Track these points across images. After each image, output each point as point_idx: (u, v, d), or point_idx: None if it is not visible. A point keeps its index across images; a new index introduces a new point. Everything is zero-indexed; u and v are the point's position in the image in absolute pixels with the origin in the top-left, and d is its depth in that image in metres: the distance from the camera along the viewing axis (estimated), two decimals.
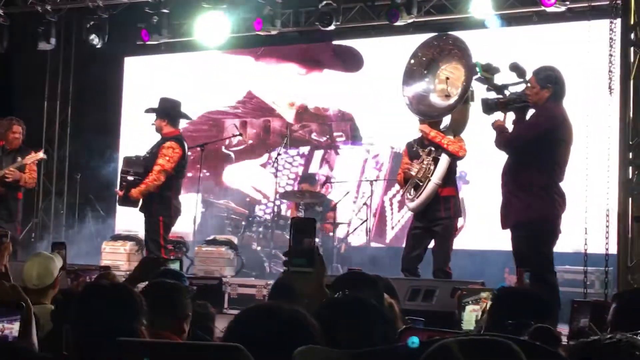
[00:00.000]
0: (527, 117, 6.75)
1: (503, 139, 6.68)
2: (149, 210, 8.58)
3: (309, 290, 3.06)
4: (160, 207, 8.52)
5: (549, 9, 10.09)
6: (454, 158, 7.79)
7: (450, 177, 7.81)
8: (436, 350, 1.11)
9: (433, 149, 7.80)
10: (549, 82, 6.50)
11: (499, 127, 6.77)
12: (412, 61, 8.15)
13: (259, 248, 10.73)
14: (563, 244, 7.00)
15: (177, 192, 8.68)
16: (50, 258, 5.01)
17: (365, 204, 10.50)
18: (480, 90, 7.28)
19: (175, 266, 7.84)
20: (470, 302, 4.42)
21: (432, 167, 7.75)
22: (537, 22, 11.04)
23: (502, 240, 7.20)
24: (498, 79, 6.86)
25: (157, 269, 6.04)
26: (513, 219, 6.60)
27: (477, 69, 6.94)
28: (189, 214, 9.81)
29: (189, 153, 9.17)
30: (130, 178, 8.53)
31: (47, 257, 5.03)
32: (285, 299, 3.91)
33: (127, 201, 8.60)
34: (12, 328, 2.92)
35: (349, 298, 2.61)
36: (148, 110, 8.94)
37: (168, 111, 8.77)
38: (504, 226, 6.76)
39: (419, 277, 7.65)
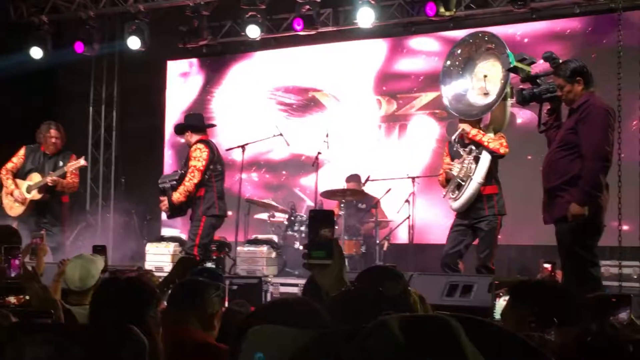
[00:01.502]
0: (562, 109, 6.62)
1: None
2: (196, 212, 8.65)
3: (329, 282, 3.04)
4: (203, 208, 8.58)
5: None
6: (495, 156, 7.73)
7: (492, 175, 7.76)
8: (375, 327, 1.09)
9: (474, 147, 7.76)
10: (576, 74, 6.36)
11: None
12: (449, 61, 8.12)
13: (300, 247, 10.73)
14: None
15: (220, 192, 8.72)
16: (92, 260, 5.08)
17: (407, 201, 10.44)
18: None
19: (211, 265, 7.93)
20: (502, 293, 4.40)
21: (473, 166, 7.71)
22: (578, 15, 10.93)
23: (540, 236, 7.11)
24: (532, 70, 6.76)
25: (193, 268, 6.10)
26: (557, 214, 6.48)
27: (510, 60, 6.85)
28: (231, 214, 9.85)
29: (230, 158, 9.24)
30: (167, 185, 8.61)
31: (89, 259, 5.09)
32: (316, 295, 3.92)
33: (174, 209, 8.63)
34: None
35: (353, 290, 2.58)
36: (176, 131, 9.15)
37: (193, 123, 8.92)
38: (546, 221, 6.65)
39: (459, 272, 7.61)
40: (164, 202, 8.60)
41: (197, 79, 14.05)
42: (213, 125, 10.18)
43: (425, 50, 12.24)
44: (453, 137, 7.99)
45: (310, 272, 3.22)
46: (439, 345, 1.05)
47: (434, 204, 10.95)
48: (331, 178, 11.54)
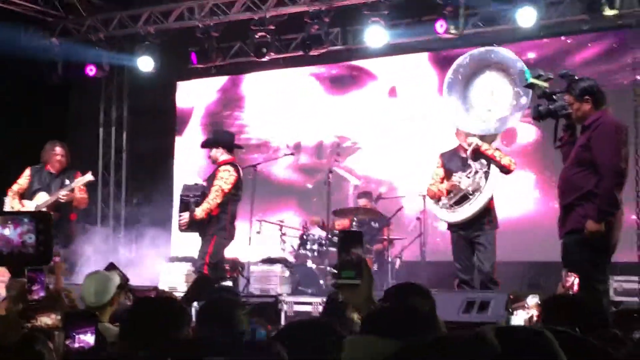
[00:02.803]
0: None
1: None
2: (205, 230, 8.64)
3: (359, 302, 3.07)
4: (215, 228, 8.57)
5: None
6: (506, 171, 7.78)
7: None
8: (472, 337, 1.12)
9: (484, 161, 7.80)
10: (585, 93, 6.40)
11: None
12: (453, 75, 8.16)
13: (314, 265, 10.75)
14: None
15: (233, 216, 8.73)
16: (107, 276, 5.08)
17: (418, 218, 10.46)
18: None
19: (228, 284, 7.94)
20: (517, 307, 4.42)
21: (483, 181, 7.75)
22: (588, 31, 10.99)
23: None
24: (547, 87, 6.79)
25: (211, 287, 6.12)
26: (569, 226, 6.50)
27: (526, 76, 6.89)
28: (244, 234, 9.88)
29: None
30: (191, 200, 8.59)
31: (104, 275, 5.10)
32: (338, 314, 3.94)
33: (192, 224, 8.60)
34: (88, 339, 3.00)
35: (392, 307, 2.61)
36: (205, 145, 9.06)
37: (225, 140, 8.90)
38: (561, 236, 6.66)
39: (474, 288, 7.63)
40: (184, 217, 8.58)
41: (206, 100, 14.12)
42: (241, 147, 10.07)
43: (436, 67, 12.30)
44: (468, 152, 7.93)
45: (338, 291, 3.25)
46: (536, 355, 1.08)
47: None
48: (344, 192, 11.57)
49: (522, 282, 10.63)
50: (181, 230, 8.82)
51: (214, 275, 8.42)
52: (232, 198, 8.62)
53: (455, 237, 7.96)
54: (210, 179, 8.73)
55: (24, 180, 9.72)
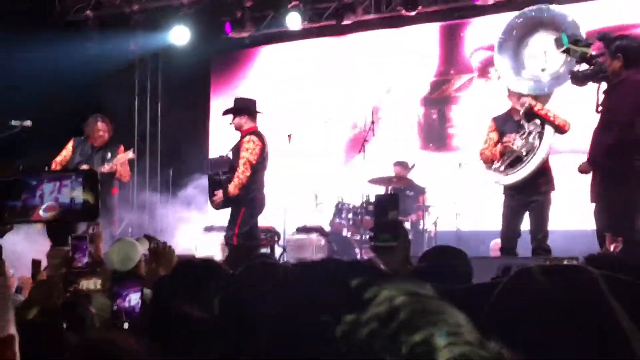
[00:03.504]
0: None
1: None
2: (235, 202, 8.65)
3: (395, 264, 3.08)
4: (244, 199, 8.59)
5: None
6: (560, 132, 7.66)
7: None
8: (518, 273, 1.13)
9: (538, 122, 7.68)
10: (618, 50, 6.30)
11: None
12: (504, 36, 8.05)
13: (349, 234, 10.78)
14: None
15: (261, 185, 8.73)
16: (132, 244, 5.12)
17: (454, 186, 10.45)
18: None
19: (264, 252, 7.97)
20: None
21: (537, 142, 7.61)
22: None
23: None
24: (587, 52, 6.70)
25: (250, 255, 6.16)
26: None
27: (563, 41, 6.81)
28: (280, 203, 9.93)
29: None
30: (222, 178, 8.59)
31: (129, 242, 5.14)
32: None
33: (227, 200, 8.62)
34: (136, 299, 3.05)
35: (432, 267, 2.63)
36: (227, 112, 9.00)
37: (248, 107, 8.89)
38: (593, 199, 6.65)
39: (517, 255, 7.57)
40: (219, 195, 8.61)
41: (240, 70, 14.14)
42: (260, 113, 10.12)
43: (471, 35, 12.20)
44: (521, 112, 7.79)
45: (376, 254, 3.26)
46: (581, 290, 1.08)
47: (480, 189, 10.92)
48: (378, 163, 11.54)
49: (579, 253, 10.49)
50: (216, 208, 8.87)
51: (246, 245, 8.43)
52: (259, 167, 8.63)
53: (508, 201, 7.81)
54: (236, 150, 8.68)
55: (67, 152, 9.82)
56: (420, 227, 10.62)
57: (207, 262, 3.30)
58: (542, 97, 7.81)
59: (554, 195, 7.74)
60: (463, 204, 10.87)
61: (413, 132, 12.55)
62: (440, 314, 0.81)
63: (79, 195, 1.60)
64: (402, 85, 12.66)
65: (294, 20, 12.18)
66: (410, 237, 10.44)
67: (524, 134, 7.70)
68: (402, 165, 11.15)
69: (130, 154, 9.74)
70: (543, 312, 1.09)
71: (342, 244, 10.59)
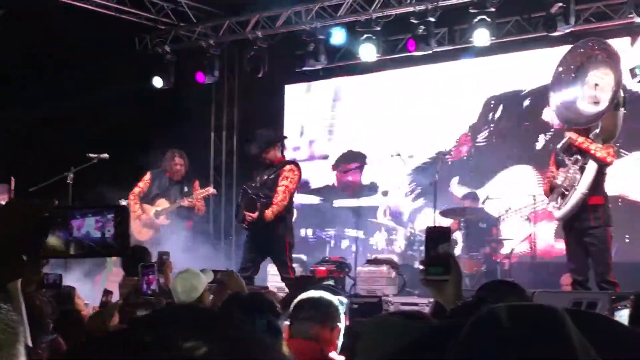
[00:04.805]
0: None
1: None
2: (275, 231, 8.65)
3: (447, 298, 3.05)
4: (285, 229, 8.65)
5: None
6: (602, 165, 7.57)
7: (598, 184, 7.59)
8: (483, 316, 1.11)
9: (579, 157, 7.61)
10: None
11: None
12: (560, 68, 8.04)
13: (421, 267, 10.69)
14: None
15: (292, 213, 8.85)
16: (196, 274, 5.18)
17: (528, 217, 10.30)
18: None
19: (329, 283, 7.95)
20: (619, 307, 4.29)
21: (578, 176, 7.56)
22: None
23: None
24: None
25: (311, 285, 6.17)
26: None
27: (638, 72, 6.72)
28: (351, 235, 9.94)
29: None
30: (263, 201, 8.63)
31: (193, 273, 5.20)
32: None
33: (260, 222, 8.59)
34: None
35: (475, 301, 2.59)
36: (262, 150, 8.91)
37: (275, 138, 9.02)
38: None
39: (589, 289, 7.45)
40: (253, 216, 8.55)
41: (314, 102, 14.23)
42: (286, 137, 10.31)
43: (542, 65, 12.06)
44: (559, 146, 7.86)
45: (427, 288, 3.24)
46: (546, 332, 1.06)
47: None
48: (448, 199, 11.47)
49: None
50: (244, 227, 8.84)
51: (304, 277, 8.44)
52: (293, 195, 8.74)
53: (566, 237, 7.83)
54: (273, 178, 8.71)
55: (144, 184, 10.02)
56: (494, 259, 10.48)
57: (257, 297, 3.31)
58: (583, 131, 7.69)
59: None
60: (539, 235, 10.70)
61: (483, 163, 12.41)
62: None
63: (109, 229, 1.65)
64: (471, 113, 12.55)
65: (368, 52, 12.18)
66: (483, 268, 10.41)
67: (567, 168, 7.66)
68: (471, 196, 11.04)
69: (210, 190, 9.96)
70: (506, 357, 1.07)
71: (413, 276, 10.51)
